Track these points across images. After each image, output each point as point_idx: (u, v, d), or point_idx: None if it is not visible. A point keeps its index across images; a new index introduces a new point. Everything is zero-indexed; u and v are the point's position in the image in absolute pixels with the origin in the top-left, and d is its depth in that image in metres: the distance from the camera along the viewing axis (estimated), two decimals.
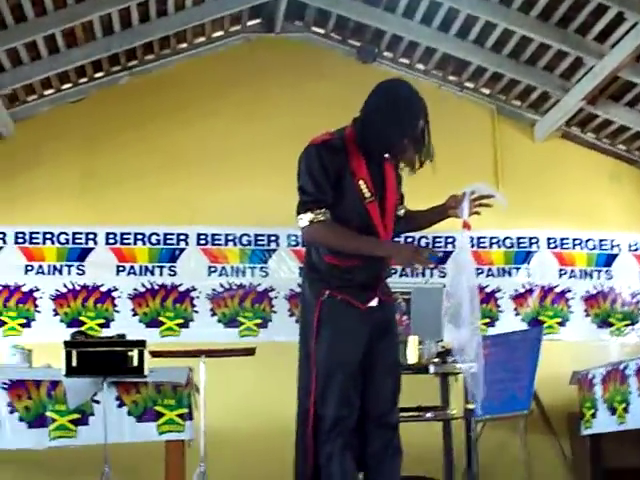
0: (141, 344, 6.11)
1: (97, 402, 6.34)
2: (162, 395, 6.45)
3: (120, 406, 6.39)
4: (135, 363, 6.04)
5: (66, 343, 6.10)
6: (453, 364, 6.08)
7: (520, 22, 8.15)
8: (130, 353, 6.06)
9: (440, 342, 6.26)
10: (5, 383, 6.39)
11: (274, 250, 8.85)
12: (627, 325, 9.23)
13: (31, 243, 8.52)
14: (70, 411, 6.35)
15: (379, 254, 4.28)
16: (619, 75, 8.19)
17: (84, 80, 8.95)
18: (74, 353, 5.97)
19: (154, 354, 6.20)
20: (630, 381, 7.34)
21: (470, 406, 6.09)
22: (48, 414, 6.34)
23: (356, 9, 8.68)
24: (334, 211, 4.18)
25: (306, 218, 4.18)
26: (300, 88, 9.11)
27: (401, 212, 4.53)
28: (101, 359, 6.07)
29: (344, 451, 4.24)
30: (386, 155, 4.32)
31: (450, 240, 8.78)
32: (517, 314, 9.08)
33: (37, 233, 8.54)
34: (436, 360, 6.14)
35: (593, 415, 7.92)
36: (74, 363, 5.96)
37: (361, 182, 4.24)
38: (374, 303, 4.35)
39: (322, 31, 9.34)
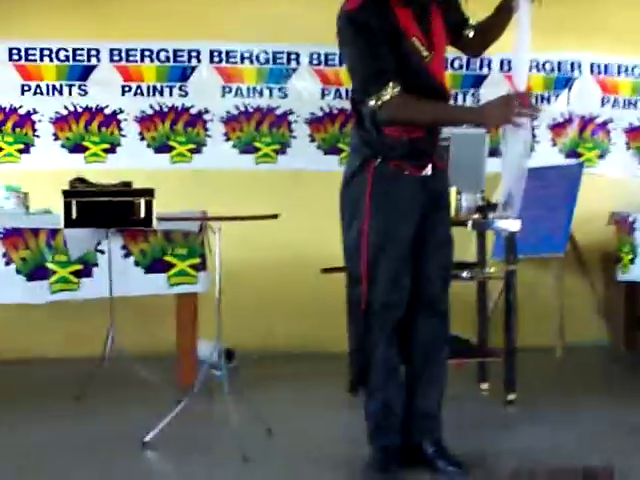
0: (149, 193, 5.52)
1: (101, 252, 5.84)
2: (172, 244, 5.97)
3: (126, 256, 5.90)
4: (142, 214, 5.50)
5: (64, 192, 5.51)
6: (494, 219, 5.55)
7: None
8: (137, 202, 5.50)
9: (481, 194, 5.73)
10: None
11: (295, 69, 8.13)
12: None
13: (27, 60, 7.78)
14: (72, 262, 5.85)
15: (472, 120, 4.17)
16: None
17: None
18: (73, 203, 5.41)
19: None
20: None
21: (512, 267, 5.59)
22: (48, 265, 5.83)
23: None
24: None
25: (376, 98, 3.79)
26: None
27: (470, 33, 4.16)
28: (104, 209, 5.53)
29: (389, 343, 4.04)
30: None
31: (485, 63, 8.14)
32: (554, 145, 8.46)
33: (34, 49, 7.78)
34: (476, 216, 5.60)
35: (631, 261, 7.44)
36: (74, 215, 5.41)
37: (414, 39, 3.84)
38: (429, 171, 4.02)
39: None
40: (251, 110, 8.08)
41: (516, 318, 5.67)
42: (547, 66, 8.42)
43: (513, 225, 5.46)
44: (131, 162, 7.83)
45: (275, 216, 5.07)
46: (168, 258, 5.94)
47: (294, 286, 7.75)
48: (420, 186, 3.98)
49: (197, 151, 8.00)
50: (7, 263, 5.78)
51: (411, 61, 3.82)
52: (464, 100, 8.29)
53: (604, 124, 8.50)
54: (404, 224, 3.96)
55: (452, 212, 5.49)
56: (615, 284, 7.82)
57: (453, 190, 5.54)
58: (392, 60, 3.78)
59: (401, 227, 3.96)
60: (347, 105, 7.97)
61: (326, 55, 8.13)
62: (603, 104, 8.50)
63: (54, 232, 5.82)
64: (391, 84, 3.74)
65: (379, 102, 3.76)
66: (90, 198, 5.51)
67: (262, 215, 5.01)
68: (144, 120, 7.92)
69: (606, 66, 8.49)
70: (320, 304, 7.39)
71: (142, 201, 5.49)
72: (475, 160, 5.74)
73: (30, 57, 7.77)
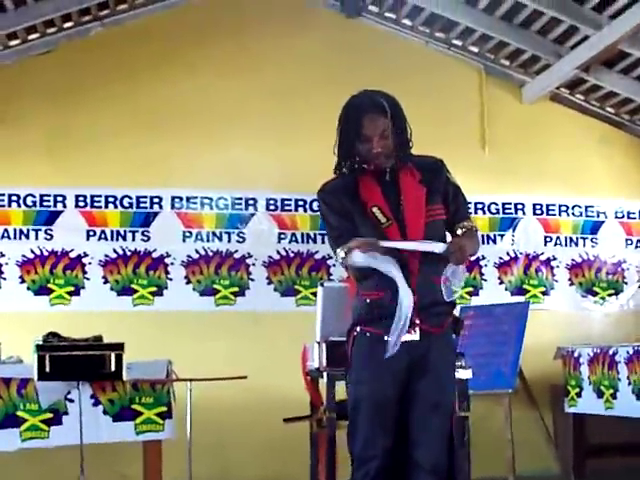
0: (119, 347, 5.79)
1: (71, 401, 6.05)
2: (140, 393, 6.20)
3: (95, 405, 6.12)
4: (113, 367, 5.75)
5: (38, 347, 5.76)
6: None
7: None
8: (107, 356, 5.76)
9: None
10: None
11: (252, 214, 8.51)
12: (611, 294, 9.07)
13: None
14: (42, 410, 6.05)
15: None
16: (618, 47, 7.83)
17: (52, 31, 8.37)
18: (47, 357, 5.65)
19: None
20: (619, 368, 7.19)
21: (464, 414, 5.84)
22: (19, 414, 6.03)
23: None
24: None
25: (340, 252, 4.04)
26: (282, 44, 8.63)
27: (458, 231, 4.16)
28: (76, 363, 5.78)
29: None
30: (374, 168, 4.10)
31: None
32: (501, 282, 8.88)
33: (2, 195, 8.11)
34: None
35: (578, 394, 7.80)
36: (47, 368, 5.65)
37: (374, 209, 4.05)
38: (412, 337, 4.04)
39: None
40: (211, 254, 8.39)
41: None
42: (492, 208, 8.86)
43: (465, 374, 5.73)
44: (94, 305, 8.08)
45: (244, 377, 5.33)
46: (135, 407, 6.16)
47: (257, 427, 7.96)
48: (403, 352, 3.98)
49: (159, 294, 8.27)
50: None
51: (368, 228, 4.01)
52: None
53: (547, 261, 8.93)
54: (377, 387, 4.03)
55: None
56: (564, 416, 8.12)
57: None
58: (349, 225, 4.03)
59: (372, 390, 4.03)
60: (302, 248, 8.42)
61: (282, 201, 8.51)
62: (546, 243, 8.94)
63: (25, 381, 6.02)
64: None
65: (342, 255, 4.00)
66: (63, 352, 5.75)
67: (231, 377, 5.27)
68: (108, 263, 8.21)
69: (548, 206, 8.95)
70: (282, 443, 7.60)
71: (112, 355, 5.75)
72: None
73: None
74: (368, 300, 4.10)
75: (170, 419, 6.20)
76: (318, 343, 5.70)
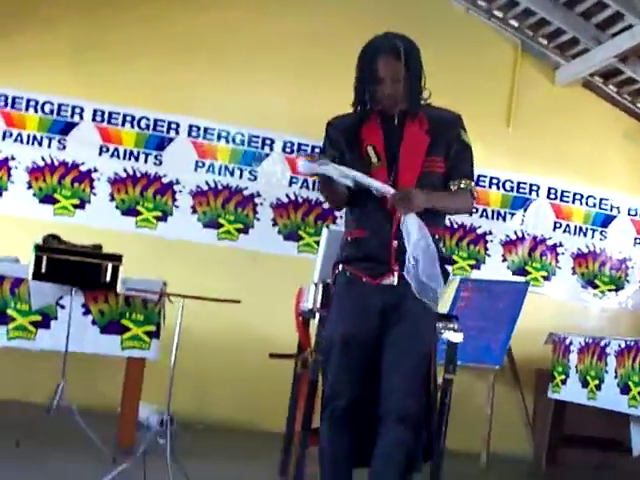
0: (116, 258, 5.76)
1: (62, 307, 6.02)
2: (131, 308, 6.14)
3: (85, 314, 6.07)
4: (108, 278, 5.72)
5: (37, 247, 5.73)
6: (439, 331, 5.78)
7: None
8: (104, 266, 5.73)
9: None
10: None
11: (267, 154, 8.46)
12: (611, 290, 9.03)
13: (12, 108, 8.06)
14: (32, 312, 6.02)
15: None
16: None
17: None
18: (44, 258, 5.62)
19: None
20: (608, 360, 7.13)
21: (449, 376, 5.84)
22: (8, 312, 5.99)
23: None
24: None
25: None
26: None
27: (452, 187, 4.11)
28: (72, 268, 5.75)
29: (334, 434, 4.10)
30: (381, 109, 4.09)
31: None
32: (504, 260, 8.83)
33: (20, 98, 8.08)
34: None
35: (563, 381, 7.75)
36: (43, 269, 5.62)
37: (369, 148, 4.06)
38: (390, 281, 4.04)
39: None
40: (220, 187, 8.34)
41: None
42: (507, 185, 8.81)
43: (456, 337, 5.72)
44: (97, 221, 8.06)
45: (237, 301, 5.31)
46: (125, 322, 6.13)
47: (241, 364, 7.97)
48: (378, 295, 4.03)
49: (163, 219, 8.26)
50: None
51: (356, 165, 3.98)
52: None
53: (553, 247, 8.88)
54: (349, 328, 4.04)
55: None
56: (546, 401, 8.10)
57: None
58: (334, 157, 4.01)
59: (345, 330, 4.04)
60: (312, 196, 8.37)
61: (299, 145, 8.45)
62: (555, 228, 8.89)
63: (19, 281, 5.99)
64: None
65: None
66: (60, 255, 5.72)
67: (225, 299, 5.24)
68: (117, 182, 8.18)
69: (563, 192, 8.90)
70: (264, 383, 7.61)
71: (109, 265, 5.72)
72: None
73: (16, 105, 8.04)
74: (349, 238, 4.14)
75: (157, 339, 6.17)
76: (315, 284, 5.68)
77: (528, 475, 8.01)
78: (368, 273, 4.06)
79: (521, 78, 8.92)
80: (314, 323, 5.59)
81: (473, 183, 4.16)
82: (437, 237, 4.07)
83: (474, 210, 8.60)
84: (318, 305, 5.55)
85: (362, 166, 4.00)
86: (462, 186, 4.10)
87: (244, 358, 7.95)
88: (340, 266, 4.15)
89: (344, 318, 4.08)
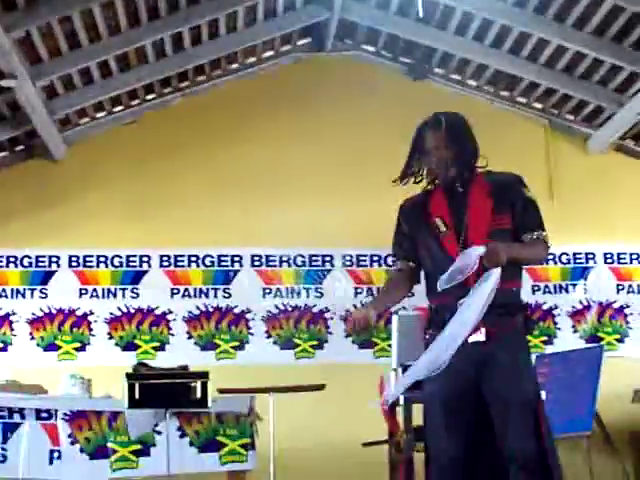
0: (204, 376, 6.10)
1: (159, 433, 6.33)
2: (224, 425, 6.43)
3: (182, 436, 6.38)
4: (198, 395, 6.05)
5: (128, 375, 6.09)
6: None
7: (574, 38, 8.04)
8: (193, 385, 6.06)
9: None
10: (66, 414, 6.39)
11: (329, 270, 8.82)
12: None
13: (85, 266, 8.58)
14: (131, 442, 6.34)
15: None
16: None
17: (136, 102, 8.97)
18: (137, 385, 5.96)
19: (222, 391, 6.16)
20: None
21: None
22: (109, 445, 6.32)
23: (407, 27, 8.61)
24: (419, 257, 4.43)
25: None
26: (351, 107, 9.05)
27: (526, 239, 4.27)
28: (164, 391, 6.09)
29: None
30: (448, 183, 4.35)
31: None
32: (575, 331, 8.99)
33: (91, 256, 8.59)
34: None
35: None
36: (137, 395, 5.95)
37: (437, 219, 4.32)
38: (477, 338, 4.18)
39: (373, 49, 9.27)
40: (290, 309, 8.73)
41: None
42: (564, 258, 9.05)
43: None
44: (179, 360, 8.28)
45: (322, 387, 5.57)
46: (220, 438, 6.41)
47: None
48: (467, 353, 4.09)
49: (240, 348, 8.63)
50: (72, 443, 6.29)
51: (430, 236, 4.29)
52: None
53: (621, 309, 9.03)
54: (439, 389, 4.16)
55: None
56: None
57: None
58: (406, 244, 4.41)
59: (436, 391, 4.18)
60: None
61: (357, 256, 8.81)
62: (618, 291, 9.07)
63: (115, 415, 6.33)
64: (395, 262, 4.50)
65: None
66: (151, 380, 6.07)
67: (309, 385, 5.52)
68: (192, 320, 8.59)
69: (619, 255, 9.11)
70: None
71: (198, 383, 6.04)
72: None
73: (88, 263, 8.59)
74: (433, 306, 4.34)
75: (253, 450, 6.43)
76: (394, 369, 5.91)
77: None
78: None
79: (555, 154, 9.25)
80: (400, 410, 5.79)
81: (544, 233, 4.36)
82: (516, 289, 4.26)
83: (536, 287, 8.88)
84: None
85: (433, 239, 4.29)
86: (535, 236, 4.27)
87: (343, 471, 8.11)
88: (427, 332, 4.34)
89: (438, 377, 4.11)
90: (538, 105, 9.33)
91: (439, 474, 4.22)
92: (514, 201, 4.29)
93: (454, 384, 4.17)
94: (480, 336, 4.17)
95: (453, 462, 4.16)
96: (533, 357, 8.53)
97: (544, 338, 8.91)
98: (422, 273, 4.41)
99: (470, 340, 4.12)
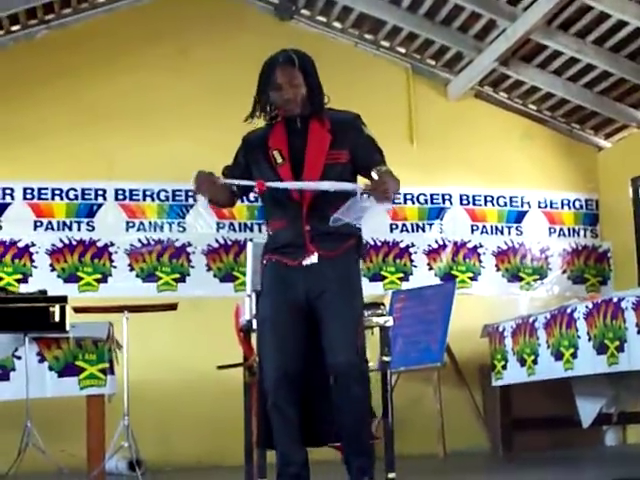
0: (62, 300, 6.19)
1: (18, 357, 6.39)
2: (83, 350, 6.52)
3: (41, 361, 6.45)
4: (57, 319, 6.13)
5: None
6: (369, 318, 6.21)
7: None
8: (52, 309, 6.14)
9: None
10: None
11: (191, 205, 8.93)
12: (536, 280, 9.57)
13: None
14: None
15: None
16: (530, 37, 8.39)
17: (1, 33, 8.83)
18: None
19: (77, 310, 6.28)
20: (539, 334, 7.56)
21: (386, 358, 6.24)
22: None
23: None
24: None
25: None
26: (218, 43, 9.16)
27: (373, 173, 4.33)
28: (22, 315, 6.15)
29: (276, 406, 4.44)
30: (281, 114, 4.57)
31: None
32: (430, 269, 9.34)
33: None
34: None
35: (504, 367, 8.13)
36: None
37: (275, 152, 4.54)
38: (310, 260, 4.47)
39: None
40: (153, 243, 8.82)
41: (392, 405, 6.28)
42: (421, 198, 9.36)
43: (385, 321, 6.16)
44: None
45: (174, 306, 5.72)
46: (79, 363, 6.51)
47: (198, 403, 8.38)
48: (300, 274, 4.45)
49: (103, 280, 8.69)
50: None
51: (266, 167, 4.50)
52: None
53: (474, 249, 9.43)
54: (275, 306, 4.47)
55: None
56: (492, 391, 8.50)
57: None
58: (237, 172, 4.54)
59: (271, 308, 4.48)
60: (240, 237, 8.83)
61: None
62: (472, 231, 9.45)
63: None
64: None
65: None
66: (9, 304, 6.12)
67: (161, 304, 5.66)
68: (55, 252, 8.60)
69: (474, 197, 9.48)
70: (222, 419, 7.91)
71: (57, 307, 6.13)
72: None
73: None
74: (271, 232, 4.60)
75: (112, 375, 6.54)
76: (248, 296, 6.09)
77: (486, 464, 8.29)
78: (289, 257, 4.50)
79: (416, 98, 9.54)
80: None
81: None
82: None
83: (394, 226, 9.18)
84: (254, 312, 5.95)
85: (269, 169, 4.49)
86: (384, 169, 4.39)
87: (200, 398, 8.30)
88: (265, 257, 4.59)
89: (269, 300, 4.52)
90: (401, 49, 9.58)
91: (272, 389, 4.43)
92: (354, 139, 4.52)
93: (284, 305, 4.46)
94: (313, 258, 4.47)
95: (283, 377, 4.40)
96: (389, 293, 8.98)
97: (400, 275, 9.23)
98: None
99: (304, 263, 4.45)
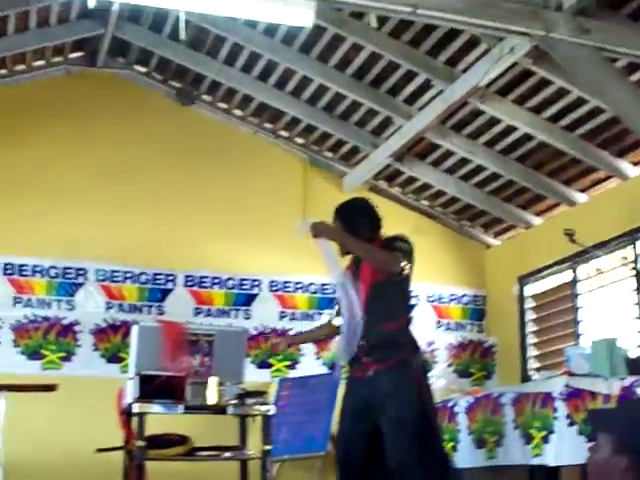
0: None
1: None
2: None
3: None
4: None
5: None
6: (251, 406, 6.25)
7: (335, 79, 8.45)
8: None
9: (240, 384, 6.37)
10: None
11: (82, 284, 8.85)
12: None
13: None
14: None
15: None
16: (425, 136, 8.63)
17: None
18: None
19: None
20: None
21: (267, 447, 6.27)
22: None
23: (179, 51, 8.82)
24: None
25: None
26: (121, 124, 9.20)
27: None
28: None
29: None
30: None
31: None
32: (318, 357, 9.38)
33: None
34: (235, 401, 6.24)
35: None
36: None
37: (348, 273, 5.82)
38: (367, 373, 5.57)
39: (144, 70, 9.42)
40: (40, 319, 8.68)
41: None
42: (311, 288, 9.45)
43: (268, 410, 6.21)
44: None
45: (53, 387, 5.65)
46: None
47: None
48: (361, 385, 5.57)
49: None
50: None
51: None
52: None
53: None
54: (343, 416, 5.74)
55: (214, 400, 6.12)
56: None
57: (215, 379, 6.13)
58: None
59: (341, 418, 5.75)
60: (129, 317, 8.77)
61: (111, 272, 8.90)
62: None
63: None
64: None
65: None
66: None
67: (39, 385, 5.58)
68: None
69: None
70: None
71: None
72: (235, 353, 6.47)
73: None
74: None
75: None
76: (131, 379, 6.07)
77: None
78: (353, 368, 5.77)
79: (312, 189, 9.66)
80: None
81: (398, 253, 6.02)
82: (389, 330, 5.82)
83: (283, 315, 9.24)
84: (136, 395, 5.92)
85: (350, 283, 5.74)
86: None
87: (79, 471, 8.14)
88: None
89: (341, 415, 5.88)
90: (300, 140, 9.74)
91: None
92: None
93: (347, 415, 5.70)
94: (370, 373, 5.52)
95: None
96: (276, 381, 8.99)
97: (288, 363, 9.25)
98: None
99: (364, 374, 5.56)
